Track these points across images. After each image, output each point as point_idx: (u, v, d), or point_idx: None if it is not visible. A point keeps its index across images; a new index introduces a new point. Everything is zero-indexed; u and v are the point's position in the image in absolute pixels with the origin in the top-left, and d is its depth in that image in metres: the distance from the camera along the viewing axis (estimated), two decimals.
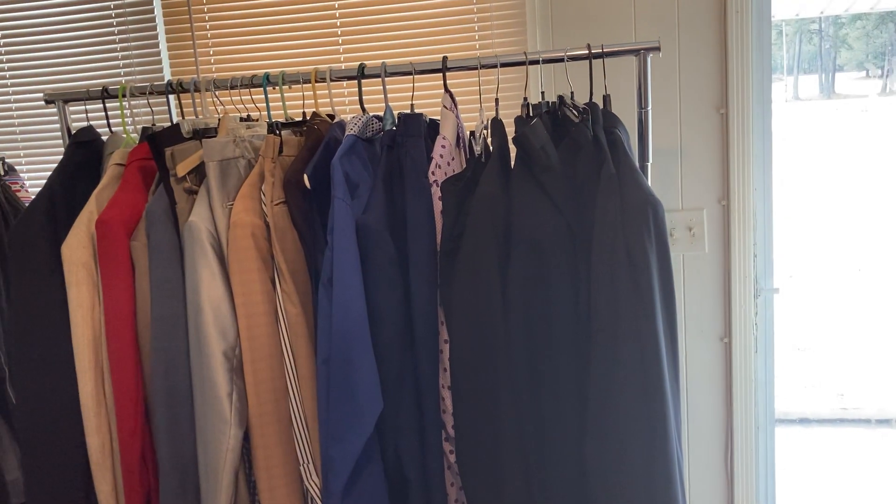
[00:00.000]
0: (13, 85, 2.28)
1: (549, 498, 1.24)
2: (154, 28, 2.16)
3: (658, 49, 1.38)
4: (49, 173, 1.58)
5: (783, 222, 8.69)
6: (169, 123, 1.45)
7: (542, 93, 1.42)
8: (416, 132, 1.33)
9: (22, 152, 2.31)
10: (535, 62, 1.39)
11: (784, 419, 3.98)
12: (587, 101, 1.36)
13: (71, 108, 1.61)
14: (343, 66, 2.11)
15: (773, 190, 2.01)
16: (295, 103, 2.09)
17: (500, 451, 1.22)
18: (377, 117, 1.41)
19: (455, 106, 1.39)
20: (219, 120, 1.44)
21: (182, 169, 1.36)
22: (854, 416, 4.00)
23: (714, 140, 1.95)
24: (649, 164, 1.44)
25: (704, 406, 2.07)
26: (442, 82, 1.40)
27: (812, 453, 3.55)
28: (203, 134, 1.44)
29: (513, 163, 1.29)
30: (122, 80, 2.21)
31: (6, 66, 2.27)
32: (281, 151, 1.36)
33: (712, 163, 1.96)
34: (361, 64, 1.43)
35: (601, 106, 1.36)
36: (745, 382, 2.02)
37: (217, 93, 1.51)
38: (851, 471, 3.35)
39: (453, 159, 1.35)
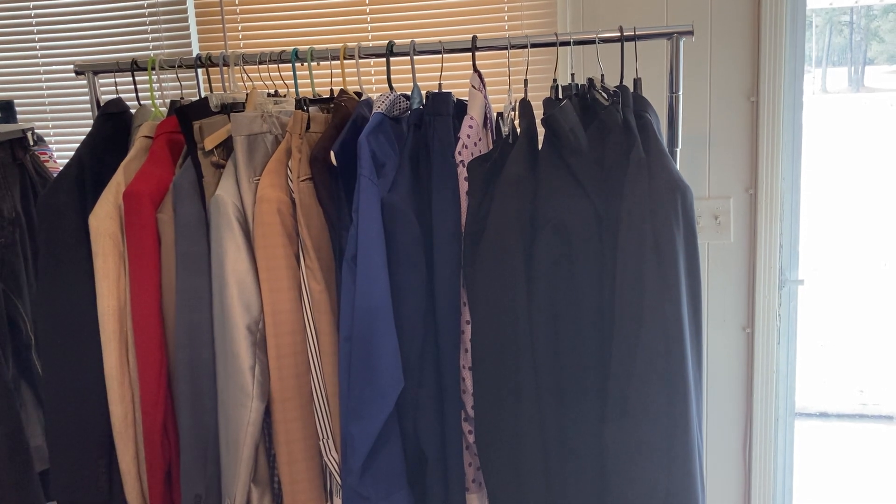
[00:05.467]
0: (43, 56, 2.30)
1: (567, 482, 1.24)
2: (183, 2, 2.17)
3: (691, 33, 1.36)
4: (77, 144, 1.59)
5: (809, 215, 8.60)
6: (197, 97, 1.45)
7: (572, 75, 1.41)
8: (443, 111, 1.32)
9: (51, 123, 2.32)
10: (566, 44, 1.38)
11: (803, 413, 3.96)
12: (617, 84, 1.35)
13: (100, 80, 1.62)
14: (371, 43, 2.10)
15: (802, 181, 1.98)
16: (323, 80, 2.09)
17: (520, 433, 1.22)
18: (405, 96, 1.40)
19: (483, 86, 1.38)
20: (247, 95, 1.45)
21: (210, 143, 1.36)
22: (874, 412, 3.97)
23: (743, 128, 1.93)
24: (678, 150, 1.42)
25: (724, 395, 2.06)
26: (471, 62, 1.39)
27: (831, 448, 3.53)
28: (231, 108, 1.44)
29: (540, 145, 1.28)
30: (151, 53, 2.22)
31: (37, 37, 2.29)
32: (308, 128, 1.36)
33: (741, 151, 1.94)
34: (390, 41, 1.43)
35: (632, 89, 1.34)
36: (767, 373, 2.00)
37: (245, 68, 1.51)
38: (870, 466, 3.33)
39: (480, 140, 1.35)
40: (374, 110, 1.33)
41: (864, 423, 3.82)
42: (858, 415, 3.94)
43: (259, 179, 1.33)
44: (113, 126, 1.51)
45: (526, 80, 1.39)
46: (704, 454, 2.10)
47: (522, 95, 1.37)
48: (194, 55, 1.54)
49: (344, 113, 1.37)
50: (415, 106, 1.37)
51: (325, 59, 1.46)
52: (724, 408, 2.07)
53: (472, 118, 1.33)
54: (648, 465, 1.17)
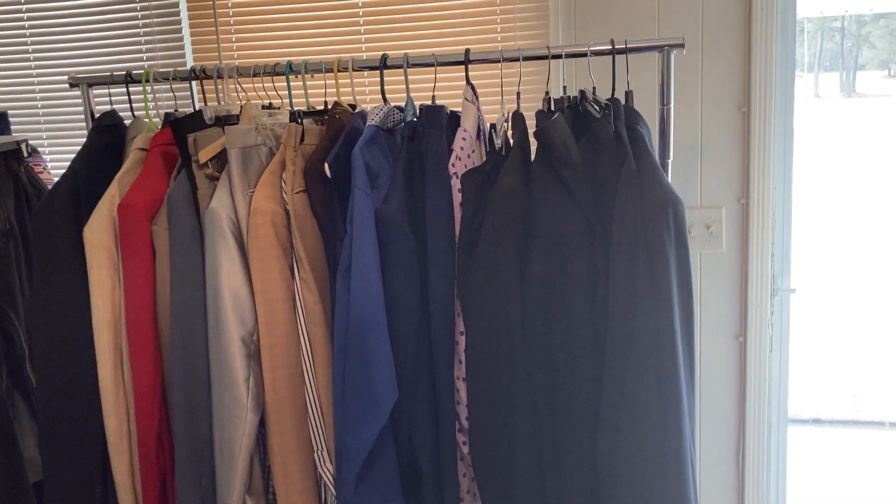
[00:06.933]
0: (37, 68, 2.30)
1: (561, 491, 1.24)
2: (177, 14, 2.17)
3: (682, 46, 1.37)
4: (71, 156, 1.59)
5: (800, 223, 8.63)
6: (191, 109, 1.46)
7: (564, 87, 1.42)
8: (437, 124, 1.33)
9: (45, 135, 2.33)
10: (558, 56, 1.39)
11: (796, 419, 3.97)
12: (609, 96, 1.36)
13: (94, 92, 1.62)
14: (365, 56, 2.11)
15: (793, 189, 2.00)
16: (317, 92, 2.10)
17: (514, 444, 1.22)
18: (398, 108, 1.41)
19: (476, 98, 1.39)
20: (241, 107, 1.45)
21: (204, 155, 1.37)
22: (867, 418, 3.98)
23: (735, 138, 1.94)
24: (670, 162, 1.43)
25: (717, 403, 2.07)
26: (464, 75, 1.40)
27: (824, 454, 3.54)
28: (225, 121, 1.45)
29: (533, 157, 1.29)
30: (145, 65, 2.22)
31: (31, 48, 2.29)
32: (302, 140, 1.37)
33: (732, 161, 1.95)
34: (384, 54, 1.44)
35: (623, 102, 1.35)
36: (759, 381, 2.01)
37: (239, 80, 1.52)
38: (863, 473, 3.34)
39: (473, 152, 1.36)
40: (367, 122, 1.34)
41: (857, 429, 3.83)
42: (851, 421, 3.95)
43: (253, 191, 1.33)
44: (107, 138, 1.52)
45: (518, 93, 1.40)
46: (698, 461, 2.10)
47: (515, 108, 1.38)
48: (188, 67, 1.55)
49: (338, 125, 1.38)
50: (408, 118, 1.38)
51: (320, 71, 1.47)
52: (717, 415, 2.08)
53: (465, 130, 1.33)
54: (642, 474, 1.18)
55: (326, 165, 1.28)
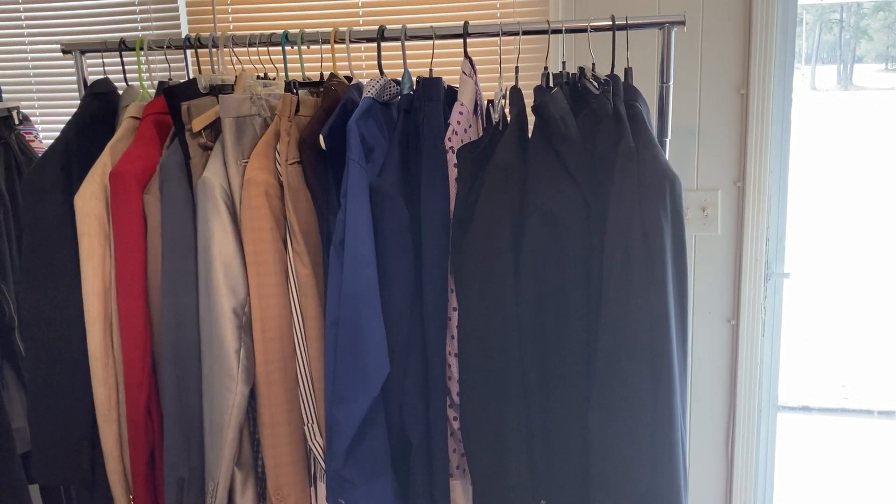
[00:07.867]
0: (29, 35, 2.27)
1: (551, 468, 1.24)
2: None
3: (683, 23, 1.36)
4: (63, 124, 1.57)
5: (795, 210, 8.65)
6: (185, 78, 1.44)
7: (563, 63, 1.41)
8: (434, 97, 1.31)
9: (37, 102, 2.30)
10: (558, 31, 1.38)
11: (786, 406, 3.99)
12: (608, 73, 1.34)
13: (87, 60, 1.60)
14: (362, 28, 2.09)
15: (789, 175, 1.99)
16: (312, 64, 2.08)
17: (505, 420, 1.22)
18: (395, 81, 1.40)
19: (474, 73, 1.37)
20: (236, 77, 1.43)
21: (198, 124, 1.35)
22: (855, 406, 4.00)
23: (733, 120, 1.93)
24: (668, 140, 1.42)
25: (708, 386, 2.07)
26: (461, 50, 1.39)
27: (812, 441, 3.56)
28: (220, 90, 1.43)
29: (531, 132, 1.28)
30: (139, 33, 2.20)
31: (23, 15, 2.26)
32: (297, 111, 1.35)
33: (730, 143, 1.94)
34: (381, 26, 1.42)
35: (622, 79, 1.34)
36: (751, 365, 2.01)
37: (235, 50, 1.50)
38: (851, 460, 3.36)
39: (470, 126, 1.34)
40: (364, 95, 1.33)
41: (846, 418, 3.85)
42: (840, 409, 3.98)
43: (247, 162, 1.32)
44: (100, 106, 1.50)
45: (517, 68, 1.39)
46: (687, 444, 2.11)
47: (513, 83, 1.36)
48: (183, 36, 1.53)
49: (333, 97, 1.36)
50: (405, 91, 1.37)
51: (316, 42, 1.45)
52: (707, 398, 2.08)
53: (462, 104, 1.32)
54: (632, 453, 1.18)
55: (322, 137, 1.27)
